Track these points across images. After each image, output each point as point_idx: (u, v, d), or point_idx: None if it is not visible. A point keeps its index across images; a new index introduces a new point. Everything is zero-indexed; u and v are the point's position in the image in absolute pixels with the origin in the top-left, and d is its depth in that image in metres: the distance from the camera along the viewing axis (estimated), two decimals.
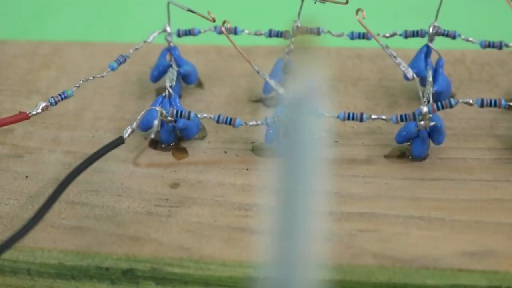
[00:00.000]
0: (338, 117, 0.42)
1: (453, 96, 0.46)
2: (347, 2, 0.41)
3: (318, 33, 0.46)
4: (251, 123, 0.43)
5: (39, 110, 0.42)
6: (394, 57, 0.41)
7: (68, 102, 0.44)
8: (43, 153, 0.44)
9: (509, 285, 0.38)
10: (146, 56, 0.48)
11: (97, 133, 0.45)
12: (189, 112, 0.43)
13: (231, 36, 0.43)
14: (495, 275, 0.38)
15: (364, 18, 0.41)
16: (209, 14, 0.42)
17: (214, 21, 0.42)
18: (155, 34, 0.46)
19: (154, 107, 0.43)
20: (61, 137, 0.45)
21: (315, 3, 0.43)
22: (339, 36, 0.46)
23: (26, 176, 0.43)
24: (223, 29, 0.42)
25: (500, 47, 0.45)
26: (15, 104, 0.47)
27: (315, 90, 0.27)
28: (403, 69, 0.41)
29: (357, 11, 0.41)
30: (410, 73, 0.41)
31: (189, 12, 0.43)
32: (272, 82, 0.42)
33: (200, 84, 0.48)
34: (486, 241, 0.39)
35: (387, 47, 0.41)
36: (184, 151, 0.44)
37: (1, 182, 0.43)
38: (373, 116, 0.42)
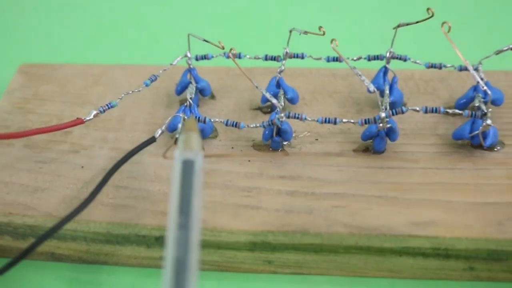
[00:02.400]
0: (317, 120, 0.42)
1: (404, 105, 0.46)
2: (324, 34, 0.42)
3: (302, 58, 0.46)
4: (251, 126, 0.43)
5: (91, 117, 0.43)
6: (360, 75, 0.41)
7: (113, 110, 0.45)
8: (95, 149, 0.44)
9: (446, 247, 0.38)
10: (171, 75, 0.48)
11: (135, 134, 0.45)
12: (205, 118, 0.43)
13: (236, 60, 0.43)
14: (436, 240, 0.38)
15: (337, 45, 0.41)
16: (219, 43, 0.43)
17: (223, 48, 0.42)
18: (179, 58, 0.46)
19: (178, 114, 0.43)
20: (108, 137, 0.45)
21: (299, 34, 0.43)
22: (318, 59, 0.46)
23: (82, 167, 0.43)
24: (230, 54, 0.42)
25: (440, 67, 0.45)
26: (73, 112, 0.47)
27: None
28: (366, 84, 0.41)
29: (332, 40, 0.41)
30: (372, 88, 0.41)
31: (204, 42, 0.44)
32: (267, 95, 0.42)
33: (213, 97, 0.48)
34: (429, 214, 0.39)
35: (354, 67, 0.41)
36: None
37: (63, 171, 0.43)
38: (344, 120, 0.42)
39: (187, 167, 0.34)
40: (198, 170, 0.34)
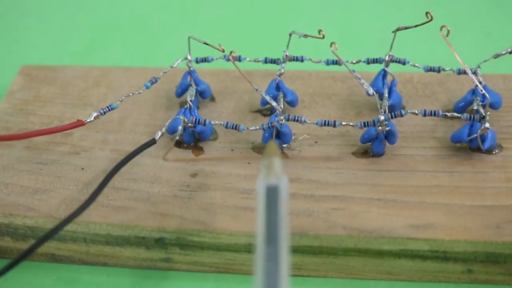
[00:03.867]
0: (317, 123, 0.42)
1: (403, 108, 0.46)
2: (323, 37, 0.41)
3: (302, 61, 0.46)
4: (251, 128, 0.42)
5: (92, 119, 0.42)
6: (359, 78, 0.41)
7: (113, 112, 0.45)
8: (95, 151, 0.44)
9: (444, 249, 0.38)
10: (172, 77, 0.48)
11: (135, 135, 0.45)
12: (205, 120, 0.43)
13: (236, 62, 0.43)
14: (434, 242, 0.38)
15: (336, 49, 0.41)
16: (219, 46, 0.42)
17: (223, 51, 0.42)
18: (179, 61, 0.46)
19: (178, 116, 0.43)
20: (109, 139, 0.45)
21: (299, 38, 0.43)
22: (317, 62, 0.46)
23: (82, 168, 0.43)
24: (230, 57, 0.42)
25: (439, 71, 0.45)
26: (74, 114, 0.47)
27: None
28: (365, 87, 0.41)
29: (331, 44, 0.41)
30: (371, 91, 0.41)
31: (204, 44, 0.43)
32: (267, 97, 0.42)
33: (213, 99, 0.48)
34: (427, 216, 0.39)
35: (353, 71, 0.41)
36: (201, 149, 0.44)
37: (63, 173, 0.43)
38: (343, 123, 0.42)
39: (272, 193, 0.32)
40: (283, 196, 0.32)
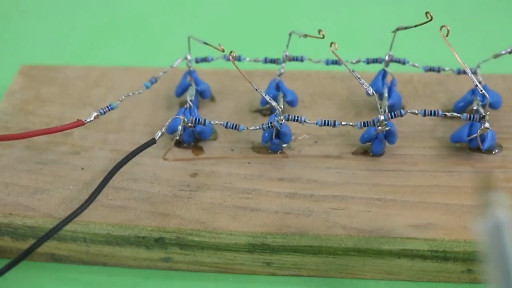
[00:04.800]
0: (317, 123, 0.42)
1: (403, 108, 0.46)
2: (323, 37, 0.41)
3: (302, 60, 0.46)
4: (251, 128, 0.42)
5: (92, 118, 0.42)
6: (359, 78, 0.41)
7: (113, 112, 0.44)
8: (95, 151, 0.44)
9: (444, 249, 0.38)
10: (172, 77, 0.48)
11: (135, 135, 0.45)
12: (205, 120, 0.43)
13: (236, 62, 0.42)
14: (434, 242, 0.38)
15: (336, 49, 0.40)
16: (219, 46, 0.42)
17: (223, 51, 0.42)
18: (179, 61, 0.46)
19: (178, 116, 0.43)
20: (108, 139, 0.45)
21: (299, 37, 0.43)
22: (317, 62, 0.46)
23: (82, 168, 0.43)
24: (230, 57, 0.42)
25: (439, 71, 0.45)
26: (73, 114, 0.47)
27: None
28: (365, 87, 0.41)
29: (331, 44, 0.40)
30: (371, 90, 0.41)
31: (204, 44, 0.43)
32: (267, 97, 0.42)
33: (213, 99, 0.48)
34: (427, 216, 0.39)
35: (353, 70, 0.41)
36: (201, 149, 0.44)
37: (63, 173, 0.43)
38: (343, 123, 0.42)
39: (499, 231, 0.28)
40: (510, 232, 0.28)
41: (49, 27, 0.63)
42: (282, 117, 0.42)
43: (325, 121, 0.42)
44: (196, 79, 0.47)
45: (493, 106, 0.44)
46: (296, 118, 0.42)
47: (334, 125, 0.42)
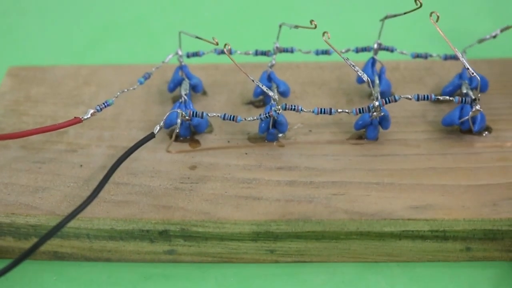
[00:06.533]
0: (313, 111, 0.42)
1: (392, 94, 0.46)
2: (315, 27, 0.41)
3: (292, 52, 0.46)
4: (249, 119, 0.42)
5: (89, 115, 0.42)
6: (353, 66, 0.41)
7: (107, 109, 0.44)
8: (92, 148, 0.44)
9: (444, 228, 0.39)
10: (162, 73, 0.48)
11: (131, 131, 0.45)
12: (202, 112, 0.43)
13: (226, 56, 0.43)
14: (434, 222, 0.39)
15: (329, 38, 0.41)
16: (213, 39, 0.41)
17: (217, 44, 0.41)
18: (170, 56, 0.46)
19: (175, 110, 0.43)
20: (104, 135, 0.45)
21: (290, 29, 0.44)
22: (307, 53, 0.46)
23: (81, 165, 0.43)
24: (225, 50, 0.42)
25: (426, 57, 0.46)
26: (66, 113, 0.47)
27: None
28: (360, 74, 0.41)
29: (324, 33, 0.40)
30: (365, 77, 0.41)
31: (196, 39, 0.43)
32: (264, 88, 0.42)
33: (205, 93, 0.48)
34: (425, 197, 0.40)
35: (347, 59, 0.41)
36: (197, 142, 0.44)
37: (62, 171, 0.42)
38: (339, 110, 0.42)
39: None
40: None
41: (35, 28, 0.62)
42: (279, 107, 0.42)
43: (321, 109, 0.42)
44: (188, 74, 0.47)
45: (481, 89, 0.45)
46: (293, 107, 0.42)
47: (330, 113, 0.42)
